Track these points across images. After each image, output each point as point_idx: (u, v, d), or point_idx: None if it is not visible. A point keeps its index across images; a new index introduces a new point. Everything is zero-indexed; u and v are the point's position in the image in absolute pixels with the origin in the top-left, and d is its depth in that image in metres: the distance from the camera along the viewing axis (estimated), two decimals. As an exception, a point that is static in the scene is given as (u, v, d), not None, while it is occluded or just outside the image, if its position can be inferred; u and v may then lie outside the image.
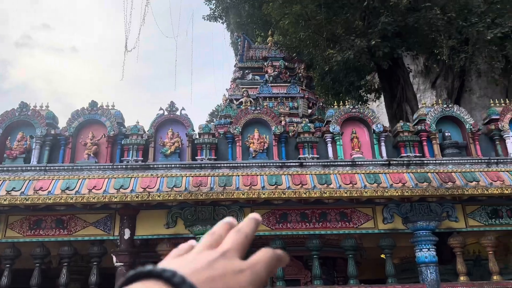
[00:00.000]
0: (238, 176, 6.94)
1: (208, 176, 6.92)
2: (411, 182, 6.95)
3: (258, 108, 7.94)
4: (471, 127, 7.91)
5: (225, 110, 9.69)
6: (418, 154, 7.73)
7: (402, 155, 7.75)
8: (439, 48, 10.68)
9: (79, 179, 6.86)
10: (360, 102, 11.99)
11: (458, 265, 7.23)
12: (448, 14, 8.49)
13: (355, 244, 7.31)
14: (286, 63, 11.08)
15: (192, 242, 0.55)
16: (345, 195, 6.78)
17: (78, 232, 7.16)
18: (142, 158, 7.45)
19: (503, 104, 8.29)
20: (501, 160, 7.69)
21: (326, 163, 7.62)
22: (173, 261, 0.49)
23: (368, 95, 12.19)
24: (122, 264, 6.96)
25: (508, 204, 7.48)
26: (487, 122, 8.27)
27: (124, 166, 7.16)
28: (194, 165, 7.26)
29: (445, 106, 8.06)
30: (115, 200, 6.55)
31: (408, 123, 8.01)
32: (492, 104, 8.53)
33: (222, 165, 7.29)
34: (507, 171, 7.23)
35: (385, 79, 10.33)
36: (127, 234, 7.07)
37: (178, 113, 7.89)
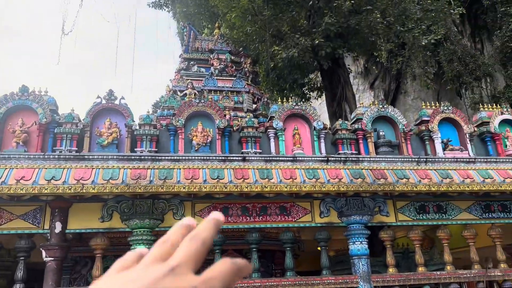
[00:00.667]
0: (180, 169, 6.83)
1: (147, 169, 6.73)
2: (347, 178, 7.25)
3: (202, 100, 7.84)
4: (404, 127, 8.40)
5: (168, 102, 9.46)
6: (354, 152, 8.08)
7: (340, 152, 8.06)
8: (378, 51, 11.22)
9: (6, 168, 6.37)
10: (303, 100, 12.29)
11: (387, 257, 7.67)
12: (387, 19, 8.94)
13: (293, 237, 7.51)
14: (233, 57, 11.04)
15: (141, 250, 0.48)
16: (285, 189, 6.93)
17: (4, 225, 6.66)
18: (76, 149, 7.07)
19: (433, 107, 8.89)
20: (430, 159, 8.26)
21: (268, 158, 7.72)
22: (114, 279, 0.42)
23: (311, 93, 12.54)
24: (52, 259, 6.60)
25: (434, 200, 8.06)
26: (419, 123, 8.84)
27: (56, 156, 6.76)
28: (133, 157, 7.02)
29: (380, 106, 8.49)
30: (46, 191, 6.17)
31: (346, 122, 8.34)
32: (424, 106, 9.11)
33: (163, 157, 7.12)
34: (434, 170, 7.78)
35: (327, 78, 10.68)
36: (58, 227, 6.70)
37: (117, 102, 7.58)
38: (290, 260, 7.34)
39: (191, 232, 0.47)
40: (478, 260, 7.80)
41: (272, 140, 7.99)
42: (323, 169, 7.42)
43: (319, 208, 7.65)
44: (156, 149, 7.35)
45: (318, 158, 7.87)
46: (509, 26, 15.60)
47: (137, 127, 7.44)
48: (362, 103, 8.94)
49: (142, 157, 7.05)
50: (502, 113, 8.81)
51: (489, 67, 16.35)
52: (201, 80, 10.62)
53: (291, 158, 7.76)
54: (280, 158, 7.74)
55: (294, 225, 7.54)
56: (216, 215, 0.49)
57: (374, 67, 21.51)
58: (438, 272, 7.64)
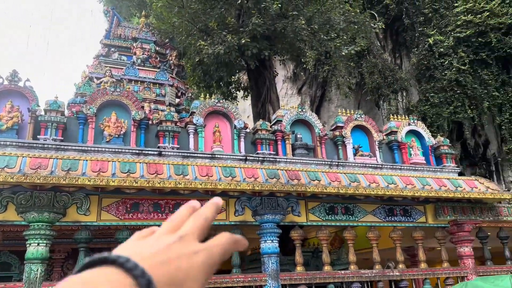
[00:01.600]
0: (86, 160, 6.40)
1: (50, 158, 6.21)
2: (262, 177, 7.33)
3: (118, 89, 7.45)
4: (320, 131, 8.74)
5: (82, 88, 8.84)
6: (272, 152, 8.22)
7: (258, 151, 8.15)
8: (305, 57, 11.56)
9: None
10: (230, 98, 12.29)
11: (296, 256, 7.90)
12: (312, 26, 9.24)
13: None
14: (158, 48, 10.67)
15: (154, 227, 0.56)
16: (200, 186, 6.82)
17: None
18: (-33, 132, 6.33)
19: (348, 114, 9.36)
20: (341, 163, 8.68)
21: (186, 154, 7.56)
22: (132, 245, 0.50)
23: (238, 92, 12.58)
24: None
25: (343, 202, 8.47)
26: (334, 129, 9.25)
27: None
28: (34, 145, 6.46)
29: (300, 110, 8.74)
30: None
31: (266, 122, 8.46)
32: (340, 113, 9.57)
33: (69, 147, 6.64)
34: (344, 173, 8.17)
35: (253, 79, 10.78)
36: None
37: (21, 84, 6.92)
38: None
39: (197, 209, 0.57)
40: (379, 260, 8.33)
41: (191, 136, 7.84)
42: (240, 167, 7.43)
43: (234, 207, 7.65)
44: (62, 138, 6.83)
45: (236, 157, 7.88)
46: (425, 45, 16.95)
47: (42, 113, 6.85)
48: (284, 106, 9.14)
49: (45, 146, 6.51)
50: (409, 124, 9.55)
51: (405, 81, 17.60)
52: (122, 68, 10.12)
53: (210, 155, 7.69)
54: (198, 155, 7.62)
55: (213, 224, 7.45)
56: (216, 199, 0.59)
57: (302, 73, 22.18)
58: (342, 272, 8.03)
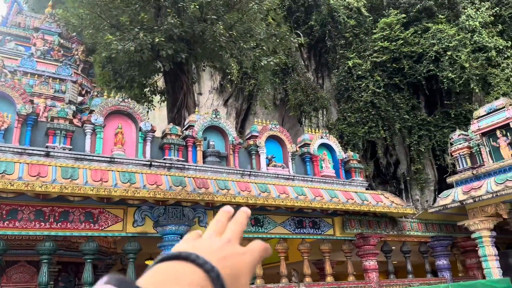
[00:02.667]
0: None
1: None
2: (166, 184, 6.77)
3: (2, 80, 6.48)
4: (233, 139, 8.42)
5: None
6: (181, 159, 7.71)
7: (166, 157, 7.59)
8: (229, 68, 11.29)
9: None
10: (145, 102, 11.57)
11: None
12: (230, 32, 9.04)
13: (96, 248, 6.61)
14: (62, 41, 9.69)
15: (198, 231, 0.62)
16: (91, 192, 6.07)
17: None
18: None
19: (263, 124, 9.19)
20: (253, 173, 8.41)
21: (79, 156, 6.76)
22: (189, 245, 0.57)
23: (154, 96, 11.92)
24: None
25: (253, 213, 8.15)
26: (248, 138, 9.01)
27: None
28: None
29: (213, 116, 8.37)
30: None
31: (177, 127, 7.95)
32: (256, 123, 9.37)
33: None
34: (255, 183, 7.90)
35: (170, 83, 10.25)
36: None
37: None
38: (90, 274, 6.42)
39: (232, 216, 0.65)
40: (286, 273, 8.12)
41: (88, 136, 7.05)
42: (142, 173, 6.80)
43: (133, 217, 6.96)
44: None
45: (140, 162, 7.24)
46: (345, 67, 17.68)
47: None
48: (198, 111, 8.72)
49: None
50: (322, 137, 9.64)
51: (325, 100, 18.14)
52: (17, 60, 9.01)
53: (108, 159, 6.96)
54: (94, 158, 6.86)
55: (101, 234, 6.69)
56: (245, 209, 0.67)
57: (228, 85, 22.03)
58: (251, 285, 7.66)
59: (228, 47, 9.54)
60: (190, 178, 7.19)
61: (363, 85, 17.29)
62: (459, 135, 9.66)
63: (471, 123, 9.48)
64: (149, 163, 7.25)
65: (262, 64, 9.77)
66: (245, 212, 0.66)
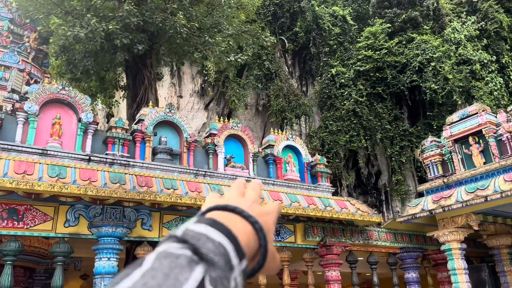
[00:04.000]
0: None
1: None
2: (102, 181, 6.14)
3: None
4: (188, 136, 7.83)
5: None
6: (126, 154, 7.08)
7: (109, 152, 6.97)
8: (194, 62, 10.73)
9: None
10: (105, 96, 10.95)
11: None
12: (192, 23, 8.53)
13: (18, 249, 5.92)
14: (13, 27, 9.12)
15: (215, 193, 0.67)
16: (10, 186, 5.42)
17: None
18: None
19: (222, 122, 8.62)
20: (209, 173, 7.81)
21: (6, 147, 6.11)
22: (225, 200, 0.61)
23: (116, 91, 11.32)
24: None
25: (206, 217, 7.53)
26: (207, 136, 8.42)
27: None
28: None
29: (167, 110, 7.78)
30: None
31: (124, 120, 7.34)
32: (216, 121, 8.80)
33: None
34: (208, 183, 7.30)
35: (131, 77, 9.69)
36: None
37: None
38: (9, 278, 5.71)
39: (248, 185, 0.70)
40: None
41: (20, 126, 6.41)
42: (76, 168, 6.16)
43: (65, 216, 6.30)
44: None
45: (77, 156, 6.60)
46: (328, 75, 17.30)
47: None
48: (151, 105, 8.12)
49: None
50: (287, 139, 9.08)
51: (307, 107, 17.70)
52: (-40, 44, 8.38)
53: (40, 151, 6.31)
54: (24, 149, 6.21)
55: (25, 234, 6.00)
56: (258, 181, 0.71)
57: (210, 89, 21.55)
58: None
59: (193, 40, 9.01)
60: (132, 175, 6.57)
61: (345, 93, 16.95)
62: (431, 142, 9.17)
63: (444, 129, 9.00)
64: (87, 157, 6.62)
65: (229, 59, 9.24)
66: (258, 183, 0.70)
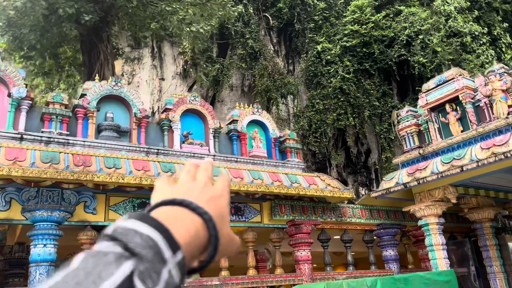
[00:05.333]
0: None
1: None
2: (31, 160, 5.55)
3: None
4: (138, 111, 7.21)
5: None
6: (65, 132, 6.49)
7: (45, 130, 6.37)
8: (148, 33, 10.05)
9: None
10: (63, 75, 10.32)
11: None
12: (143, -10, 7.86)
13: None
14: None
15: (168, 177, 0.66)
16: None
17: None
18: None
19: (179, 96, 8.00)
20: (163, 151, 7.22)
21: None
22: (172, 190, 0.60)
23: (73, 68, 10.62)
24: None
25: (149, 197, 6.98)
26: (163, 111, 7.81)
27: None
28: None
29: (113, 83, 7.14)
30: None
31: (62, 94, 6.72)
32: (174, 96, 8.18)
33: None
34: (157, 161, 6.70)
35: (87, 53, 9.05)
36: None
37: None
38: None
39: (199, 166, 0.68)
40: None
41: None
42: (1, 146, 5.58)
43: (-6, 200, 5.74)
44: None
45: (7, 134, 6.01)
46: (314, 52, 16.61)
47: None
48: (97, 79, 7.49)
49: None
50: (253, 113, 8.46)
51: (293, 86, 17.07)
52: None
53: (-37, 130, 5.73)
54: None
55: None
56: (209, 159, 0.74)
57: (192, 70, 20.89)
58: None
59: (149, 9, 8.34)
60: (68, 154, 5.97)
61: (332, 70, 16.34)
62: (407, 112, 8.54)
63: (419, 97, 8.35)
64: (19, 136, 6.03)
65: (189, 29, 8.58)
66: (209, 161, 0.70)
